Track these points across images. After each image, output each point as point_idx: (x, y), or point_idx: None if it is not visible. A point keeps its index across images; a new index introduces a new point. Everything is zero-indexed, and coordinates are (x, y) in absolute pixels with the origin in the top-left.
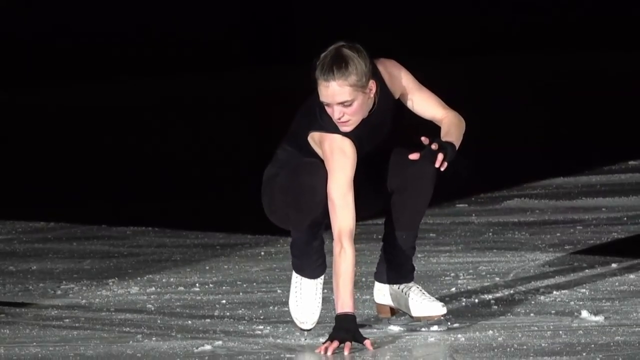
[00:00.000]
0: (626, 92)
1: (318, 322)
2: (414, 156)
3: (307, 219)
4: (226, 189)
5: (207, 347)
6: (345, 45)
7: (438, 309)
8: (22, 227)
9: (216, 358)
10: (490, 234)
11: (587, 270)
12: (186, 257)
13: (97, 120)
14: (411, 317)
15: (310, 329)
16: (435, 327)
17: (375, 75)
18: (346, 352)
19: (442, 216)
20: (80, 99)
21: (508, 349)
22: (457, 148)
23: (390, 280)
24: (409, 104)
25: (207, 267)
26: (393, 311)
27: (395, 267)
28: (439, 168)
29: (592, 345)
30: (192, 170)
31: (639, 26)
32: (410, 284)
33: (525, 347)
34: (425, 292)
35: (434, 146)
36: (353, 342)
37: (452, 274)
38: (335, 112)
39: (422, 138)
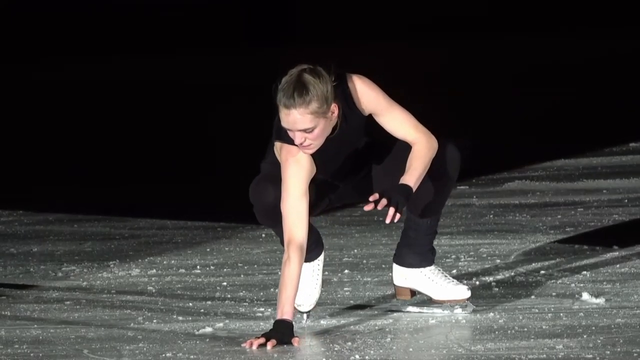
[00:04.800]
0: (626, 73)
1: (318, 305)
2: (368, 207)
3: (276, 229)
4: (228, 171)
5: (208, 329)
6: (306, 70)
7: (463, 292)
8: (23, 208)
9: (217, 340)
10: (491, 216)
11: (588, 253)
12: (187, 239)
13: (95, 98)
14: (432, 300)
15: (308, 311)
16: (459, 310)
17: (343, 93)
18: (269, 347)
19: None
20: (80, 74)
21: (509, 331)
22: (415, 187)
23: (412, 265)
24: (381, 122)
25: (208, 249)
26: (413, 293)
27: (418, 251)
28: (461, 152)
29: (593, 328)
30: (194, 152)
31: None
32: (432, 267)
33: (526, 329)
34: (448, 275)
35: (379, 206)
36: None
37: (453, 256)
38: (297, 138)
39: (370, 198)
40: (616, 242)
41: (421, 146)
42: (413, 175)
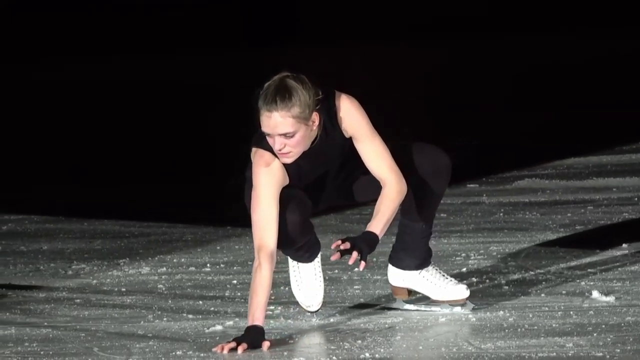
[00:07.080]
0: (636, 70)
1: (328, 303)
2: (334, 257)
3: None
4: (236, 169)
5: (218, 328)
6: (289, 76)
7: (462, 292)
8: (31, 208)
9: (227, 338)
10: (501, 214)
11: (597, 251)
12: (197, 237)
13: (95, 98)
14: (432, 300)
15: (317, 310)
16: (458, 309)
17: (327, 109)
18: (240, 351)
19: (452, 196)
20: (80, 74)
21: (519, 330)
22: (382, 234)
23: (410, 267)
24: (358, 149)
25: (218, 247)
26: (410, 292)
27: (415, 254)
28: (452, 158)
29: (603, 326)
30: (194, 152)
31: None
32: (429, 268)
33: (536, 327)
34: (446, 275)
35: (343, 247)
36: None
37: (463, 255)
38: (277, 143)
39: (333, 246)
40: (626, 240)
41: (391, 189)
42: (380, 221)
